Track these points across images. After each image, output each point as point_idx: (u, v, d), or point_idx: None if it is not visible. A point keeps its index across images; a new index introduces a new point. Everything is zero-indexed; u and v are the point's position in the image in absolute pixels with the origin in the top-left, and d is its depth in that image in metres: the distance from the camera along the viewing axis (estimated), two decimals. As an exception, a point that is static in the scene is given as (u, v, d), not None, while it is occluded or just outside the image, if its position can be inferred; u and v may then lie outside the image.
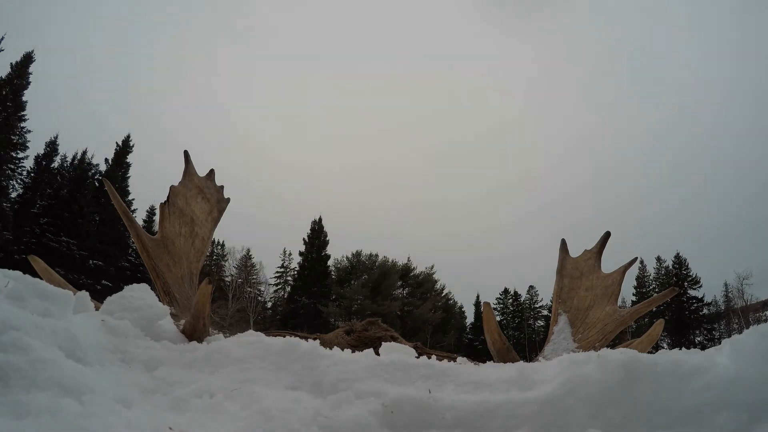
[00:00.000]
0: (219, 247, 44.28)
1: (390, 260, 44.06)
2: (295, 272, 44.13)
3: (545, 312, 51.43)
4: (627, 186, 77.45)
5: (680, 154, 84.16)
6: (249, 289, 39.96)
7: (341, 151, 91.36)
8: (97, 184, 33.53)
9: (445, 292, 47.13)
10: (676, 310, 42.82)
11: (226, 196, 3.81)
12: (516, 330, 52.76)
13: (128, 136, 36.52)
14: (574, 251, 3.35)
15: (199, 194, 3.58)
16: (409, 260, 45.48)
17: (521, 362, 2.25)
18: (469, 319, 52.61)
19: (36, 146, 33.01)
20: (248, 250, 42.99)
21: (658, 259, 47.06)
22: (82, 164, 34.73)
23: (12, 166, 30.86)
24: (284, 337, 2.32)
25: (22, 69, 30.31)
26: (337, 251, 47.66)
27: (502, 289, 55.39)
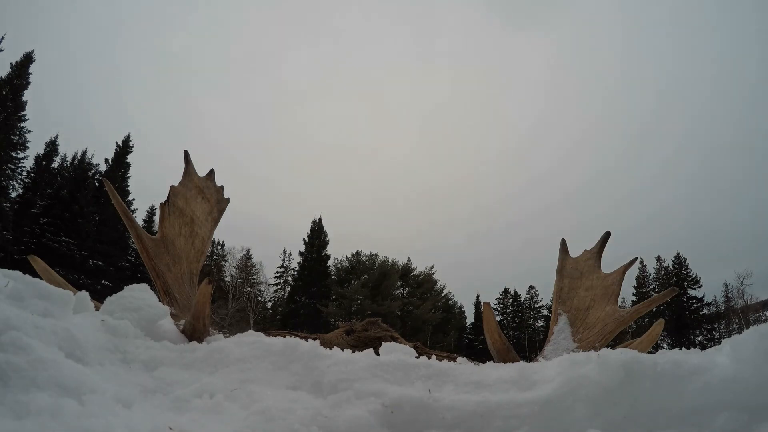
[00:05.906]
0: (219, 247, 44.34)
1: (390, 260, 44.13)
2: (295, 272, 44.16)
3: (545, 312, 51.47)
4: (627, 185, 77.45)
5: (682, 155, 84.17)
6: (249, 289, 40.00)
7: (342, 150, 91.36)
8: (97, 184, 33.52)
9: (445, 292, 47.22)
10: (676, 310, 42.83)
11: (225, 196, 3.82)
12: (516, 330, 52.79)
13: (128, 136, 36.62)
14: (574, 251, 3.35)
15: (199, 194, 3.58)
16: (409, 260, 45.58)
17: (521, 362, 2.25)
18: (469, 319, 52.72)
19: (36, 146, 33.11)
20: (248, 250, 43.10)
21: (658, 259, 47.13)
22: (82, 164, 34.73)
23: (12, 166, 30.83)
24: (284, 337, 2.32)
25: (22, 69, 30.29)
26: (337, 251, 47.75)
27: (502, 289, 55.54)
